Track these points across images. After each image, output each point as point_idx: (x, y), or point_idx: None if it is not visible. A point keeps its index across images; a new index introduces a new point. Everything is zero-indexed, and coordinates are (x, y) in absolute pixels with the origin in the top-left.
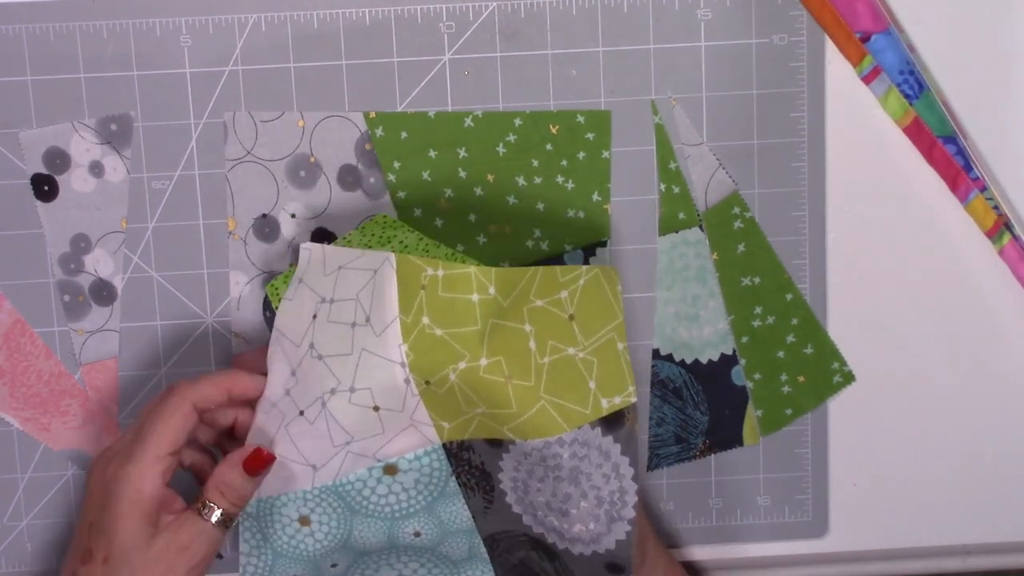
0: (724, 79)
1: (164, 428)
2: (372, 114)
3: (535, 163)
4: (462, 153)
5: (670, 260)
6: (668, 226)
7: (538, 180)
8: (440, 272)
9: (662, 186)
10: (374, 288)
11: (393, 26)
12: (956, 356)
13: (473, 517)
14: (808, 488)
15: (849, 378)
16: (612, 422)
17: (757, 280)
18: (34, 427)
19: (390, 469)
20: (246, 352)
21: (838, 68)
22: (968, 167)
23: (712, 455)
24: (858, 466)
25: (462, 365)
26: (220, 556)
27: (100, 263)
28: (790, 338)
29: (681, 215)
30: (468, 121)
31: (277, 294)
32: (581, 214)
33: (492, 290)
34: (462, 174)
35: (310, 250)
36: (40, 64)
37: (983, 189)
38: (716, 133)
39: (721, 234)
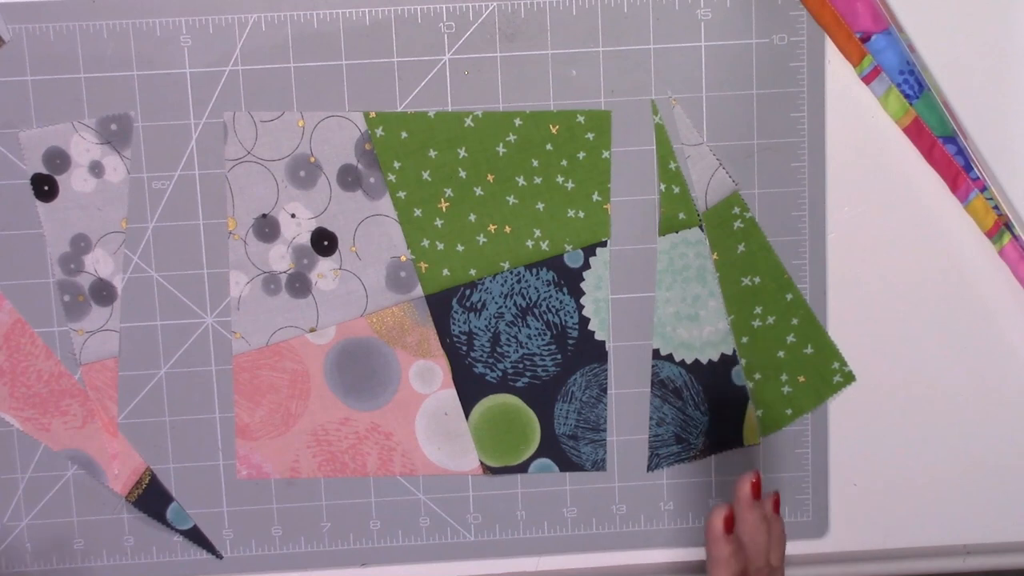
0: (724, 79)
1: None
2: (372, 114)
3: (535, 163)
4: (462, 153)
5: (670, 260)
6: (668, 226)
7: (538, 180)
8: None
9: (662, 186)
10: None
11: (393, 26)
12: (956, 356)
13: None
14: (808, 488)
15: (849, 378)
16: None
17: (757, 280)
18: (34, 427)
19: None
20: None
21: (838, 68)
22: (968, 167)
23: (712, 455)
24: (858, 466)
25: None
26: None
27: (100, 263)
28: (790, 338)
29: (681, 215)
30: (468, 121)
31: None
32: (581, 214)
33: None
34: (462, 174)
35: None
36: (40, 64)
37: (983, 189)
38: (716, 133)
39: (721, 234)
